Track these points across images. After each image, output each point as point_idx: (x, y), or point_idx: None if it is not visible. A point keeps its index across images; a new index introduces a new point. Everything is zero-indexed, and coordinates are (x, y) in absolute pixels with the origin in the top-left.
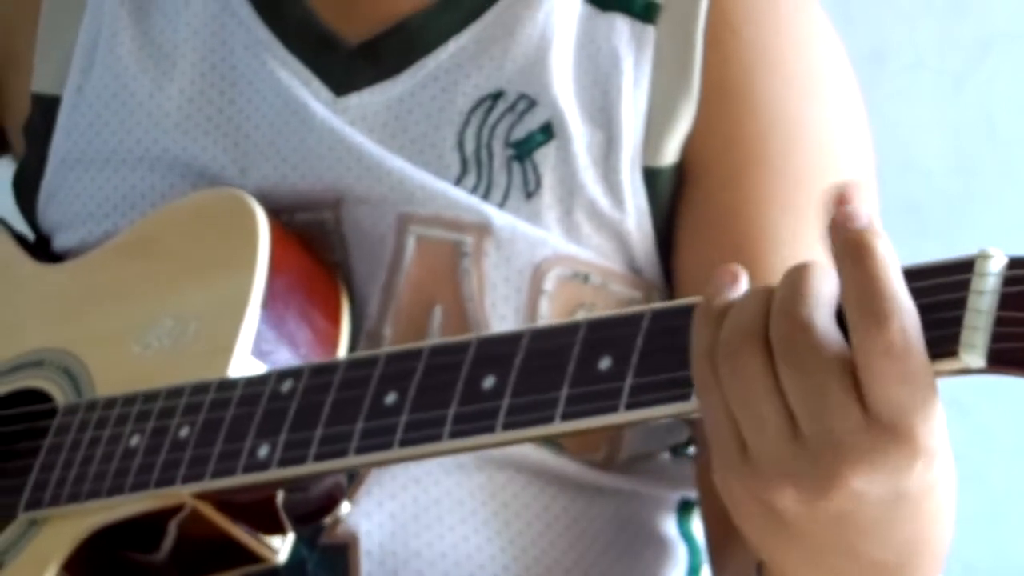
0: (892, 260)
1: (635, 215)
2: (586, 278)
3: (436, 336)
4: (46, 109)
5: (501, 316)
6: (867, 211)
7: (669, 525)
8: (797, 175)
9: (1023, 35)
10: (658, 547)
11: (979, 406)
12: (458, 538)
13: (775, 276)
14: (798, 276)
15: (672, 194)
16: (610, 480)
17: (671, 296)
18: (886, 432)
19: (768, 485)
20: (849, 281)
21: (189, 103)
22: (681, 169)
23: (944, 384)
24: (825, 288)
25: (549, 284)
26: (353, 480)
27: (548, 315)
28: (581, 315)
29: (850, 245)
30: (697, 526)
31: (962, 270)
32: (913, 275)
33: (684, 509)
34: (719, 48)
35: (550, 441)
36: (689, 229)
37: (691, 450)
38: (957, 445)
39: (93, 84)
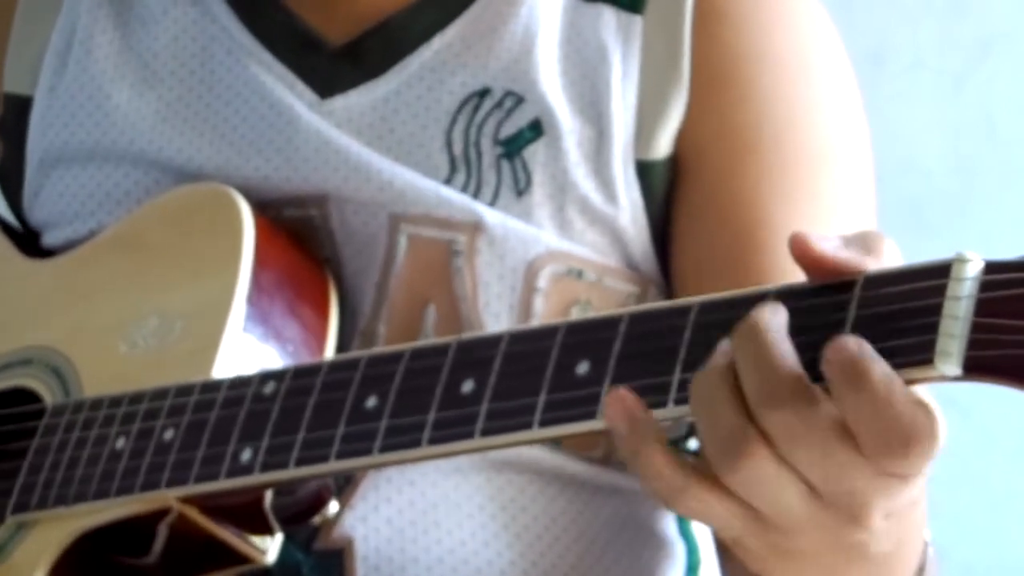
0: (892, 378)
1: (629, 209)
2: (580, 274)
3: (430, 335)
4: (19, 109)
5: (495, 314)
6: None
7: (668, 524)
8: (791, 161)
9: (1023, 35)
10: (657, 546)
11: (979, 407)
12: (455, 542)
13: (772, 265)
14: (759, 349)
15: (667, 187)
16: (609, 478)
17: (668, 290)
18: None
19: (789, 538)
20: (856, 409)
21: (167, 107)
22: (675, 161)
23: (943, 385)
24: (784, 347)
25: (543, 281)
26: (348, 484)
27: (543, 313)
28: (576, 312)
29: (847, 375)
30: (696, 525)
31: (938, 275)
32: (887, 280)
33: None
34: (707, 36)
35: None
36: (685, 221)
37: (692, 444)
38: (957, 445)
39: (67, 85)
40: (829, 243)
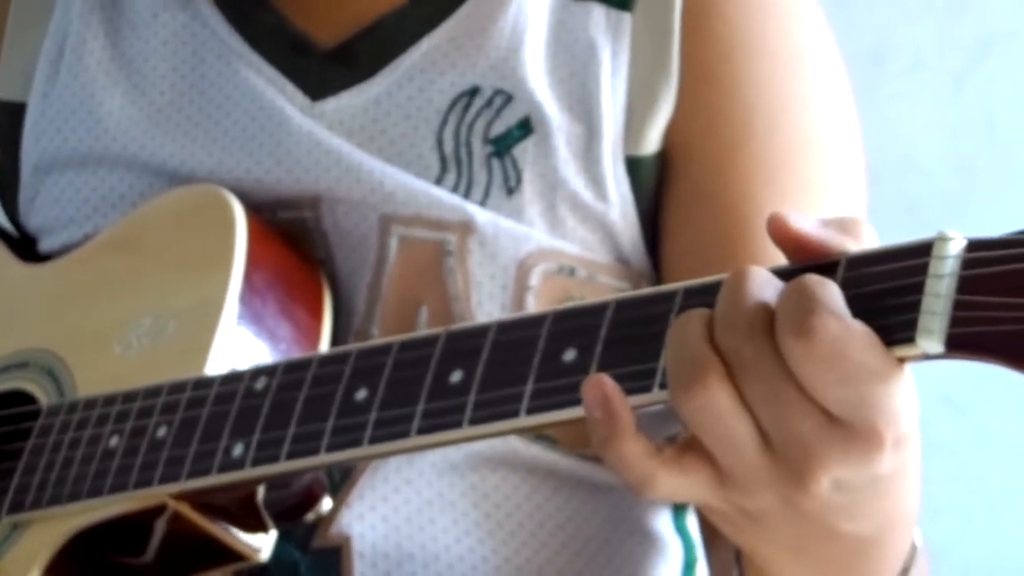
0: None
1: (619, 205)
2: (572, 272)
3: None
4: (12, 115)
5: (487, 314)
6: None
7: (663, 522)
8: (781, 155)
9: (1023, 35)
10: (653, 544)
11: (977, 406)
12: (451, 540)
13: (763, 258)
14: (734, 285)
15: (656, 181)
16: (605, 475)
17: (659, 284)
18: (846, 429)
19: (747, 495)
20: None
21: (159, 113)
22: (664, 156)
23: (942, 384)
24: (765, 293)
25: (535, 279)
26: (345, 482)
27: (535, 311)
28: None
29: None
30: (692, 522)
31: (920, 253)
32: (870, 260)
33: (679, 506)
34: (697, 31)
35: (543, 435)
36: (675, 215)
37: None
38: (956, 445)
39: (59, 91)
40: (807, 222)
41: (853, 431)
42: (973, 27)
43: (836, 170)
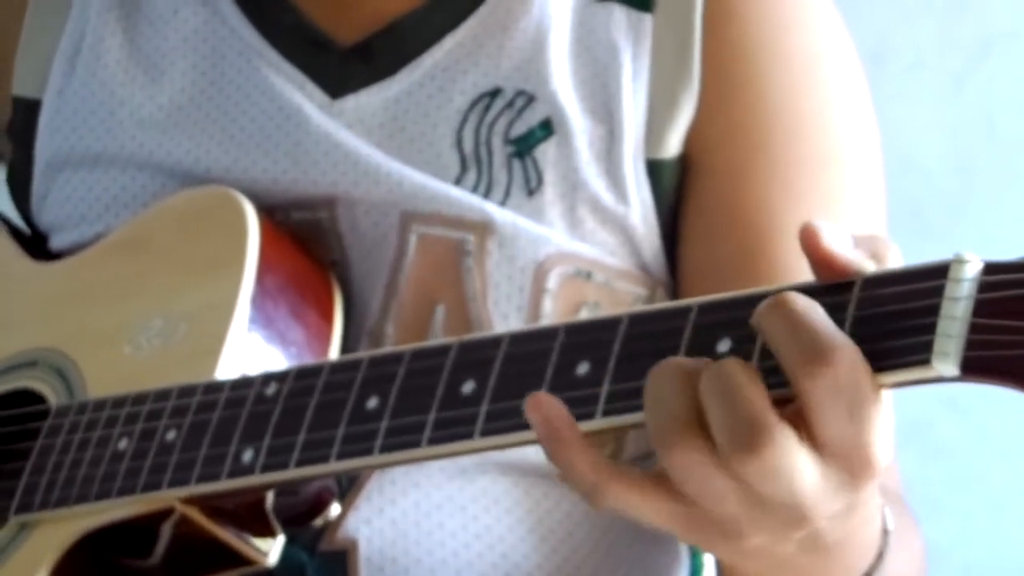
0: (812, 305)
1: (640, 208)
2: (589, 276)
3: (439, 335)
4: (27, 112)
5: (504, 315)
6: None
7: None
8: (801, 162)
9: (1023, 35)
10: (661, 551)
11: (978, 406)
12: (459, 544)
13: (782, 266)
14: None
15: (676, 185)
16: None
17: (676, 292)
18: (845, 469)
19: (735, 536)
20: (777, 335)
21: (178, 111)
22: (684, 160)
23: (943, 385)
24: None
25: (552, 282)
26: (352, 486)
27: (552, 313)
28: (584, 313)
29: (766, 306)
30: None
31: (937, 275)
32: (886, 281)
33: None
34: (718, 34)
35: None
36: (694, 220)
37: None
38: (957, 445)
39: (75, 88)
40: (838, 240)
41: (850, 466)
42: (973, 27)
43: (856, 177)
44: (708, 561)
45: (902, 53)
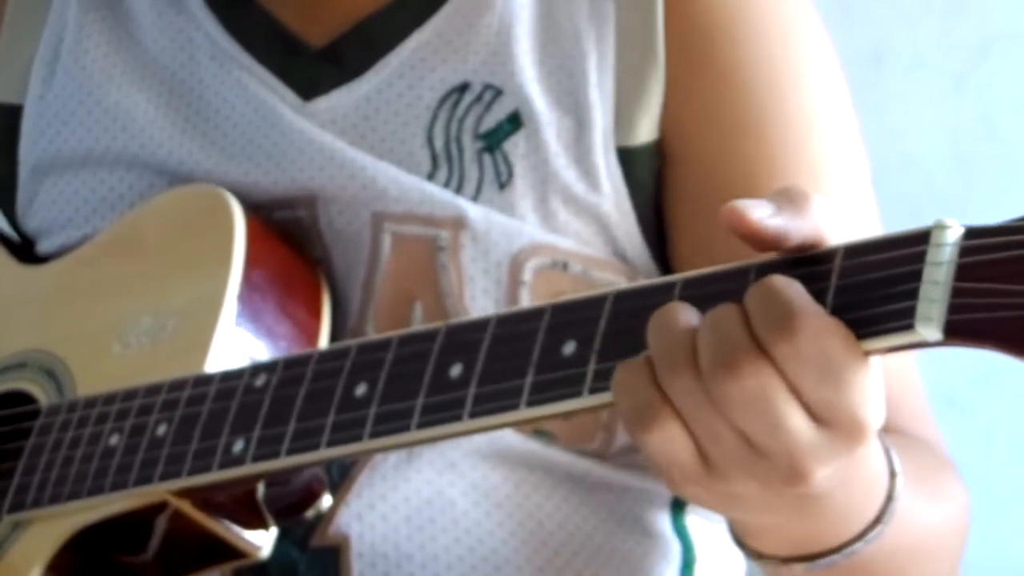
0: (785, 280)
1: (613, 196)
2: (565, 266)
3: None
4: (8, 118)
5: (481, 309)
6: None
7: (663, 522)
8: (780, 137)
9: (1023, 35)
10: (652, 543)
11: (978, 406)
12: (450, 539)
13: None
14: (658, 325)
15: (653, 172)
16: (603, 473)
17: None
18: (834, 428)
19: (731, 483)
20: (750, 309)
21: (157, 111)
22: (660, 146)
23: (943, 384)
24: (692, 321)
25: (527, 275)
26: (344, 480)
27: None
28: None
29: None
30: (691, 522)
31: (918, 241)
32: (868, 249)
33: (677, 506)
34: (681, 14)
35: (541, 431)
36: (680, 208)
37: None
38: (957, 445)
39: (56, 93)
40: (761, 212)
41: (839, 428)
42: (973, 27)
43: (835, 145)
44: (701, 554)
45: (902, 53)
